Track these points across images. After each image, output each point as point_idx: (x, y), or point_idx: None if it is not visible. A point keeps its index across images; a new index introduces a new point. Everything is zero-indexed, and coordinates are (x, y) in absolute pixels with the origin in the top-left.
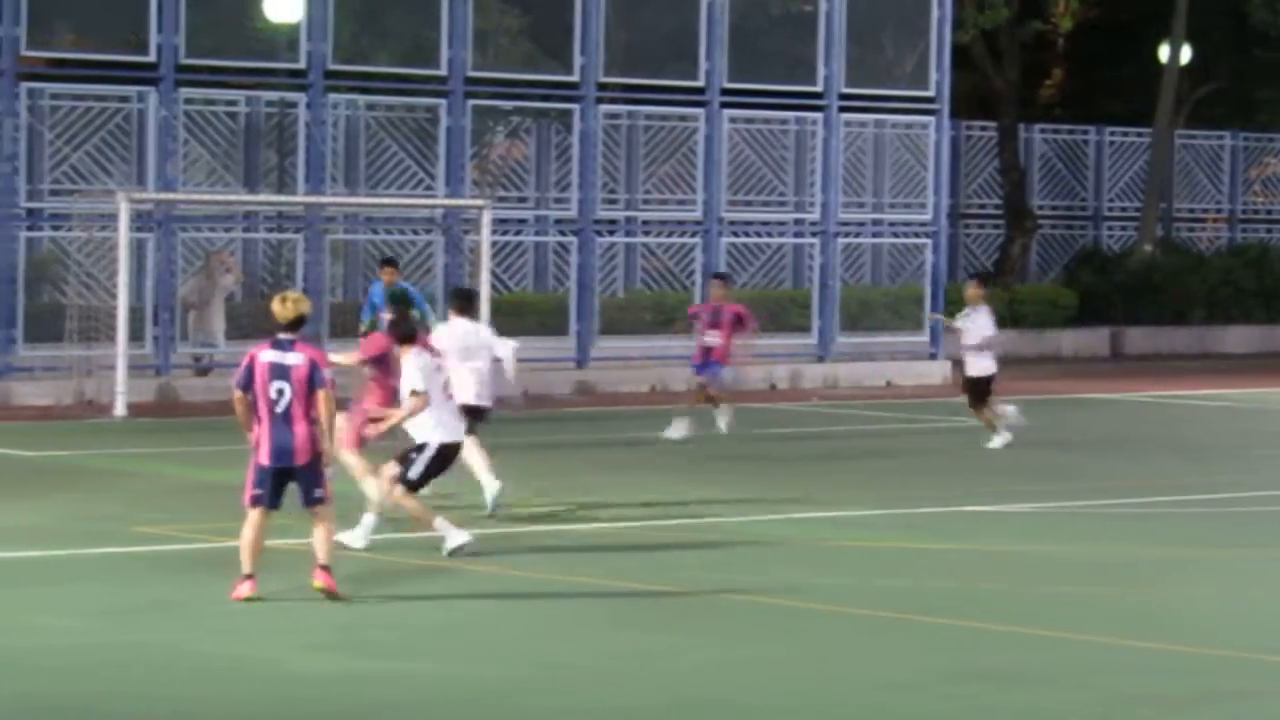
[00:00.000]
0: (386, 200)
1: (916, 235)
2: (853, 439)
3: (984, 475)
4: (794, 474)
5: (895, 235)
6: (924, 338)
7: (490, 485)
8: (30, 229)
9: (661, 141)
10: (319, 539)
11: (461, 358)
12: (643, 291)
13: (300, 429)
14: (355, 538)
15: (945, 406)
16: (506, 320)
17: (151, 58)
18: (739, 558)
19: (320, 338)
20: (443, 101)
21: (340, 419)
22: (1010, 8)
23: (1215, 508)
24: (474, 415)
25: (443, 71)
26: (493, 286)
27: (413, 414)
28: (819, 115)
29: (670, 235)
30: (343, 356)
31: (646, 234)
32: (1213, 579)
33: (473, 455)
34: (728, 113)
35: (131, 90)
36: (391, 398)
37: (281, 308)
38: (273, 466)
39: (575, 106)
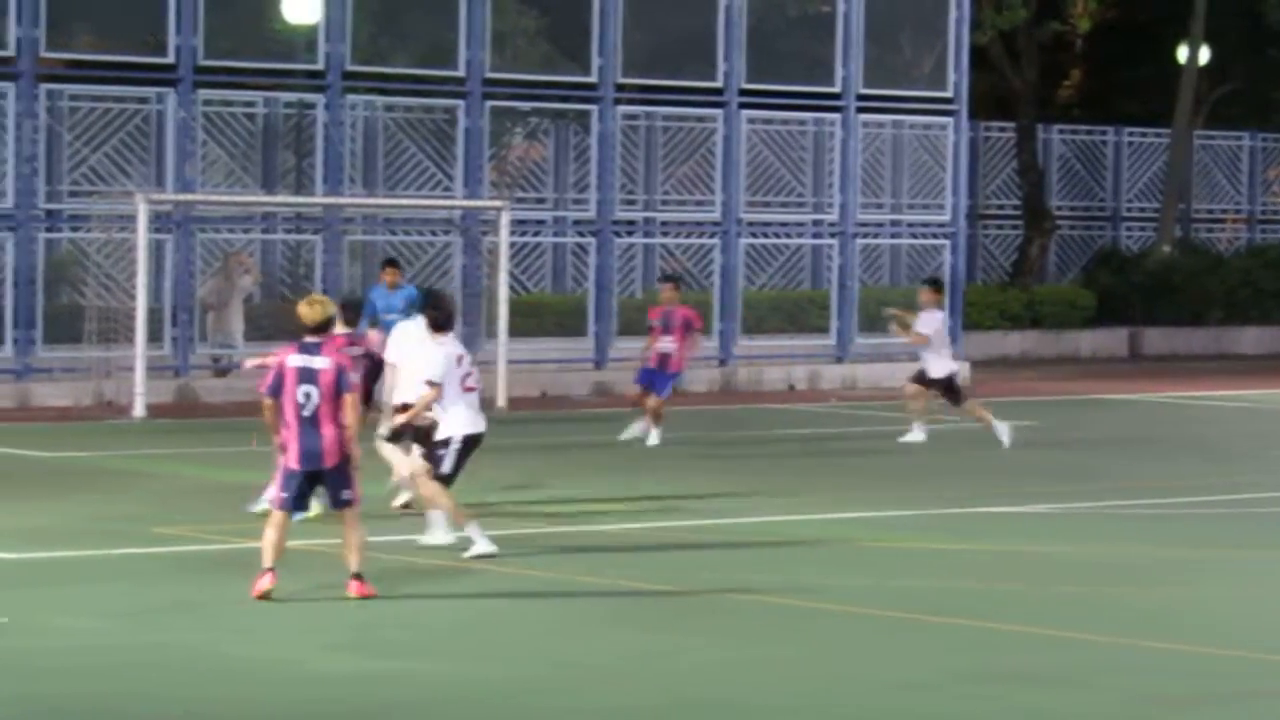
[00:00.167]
0: (404, 201)
1: (935, 236)
2: (871, 440)
3: (1001, 476)
4: (811, 475)
5: (914, 236)
6: None
7: (400, 485)
8: (49, 230)
9: (680, 142)
10: (350, 545)
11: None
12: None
13: (328, 432)
14: (436, 537)
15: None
16: (524, 321)
17: (170, 59)
18: (754, 558)
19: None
20: (461, 103)
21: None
22: (1028, 8)
23: (1234, 508)
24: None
25: (461, 73)
26: (511, 288)
27: (427, 403)
28: (837, 116)
29: (688, 236)
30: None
31: (665, 235)
32: (1231, 580)
33: (397, 454)
34: (746, 113)
35: (150, 91)
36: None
37: (309, 311)
38: (302, 470)
39: (593, 107)
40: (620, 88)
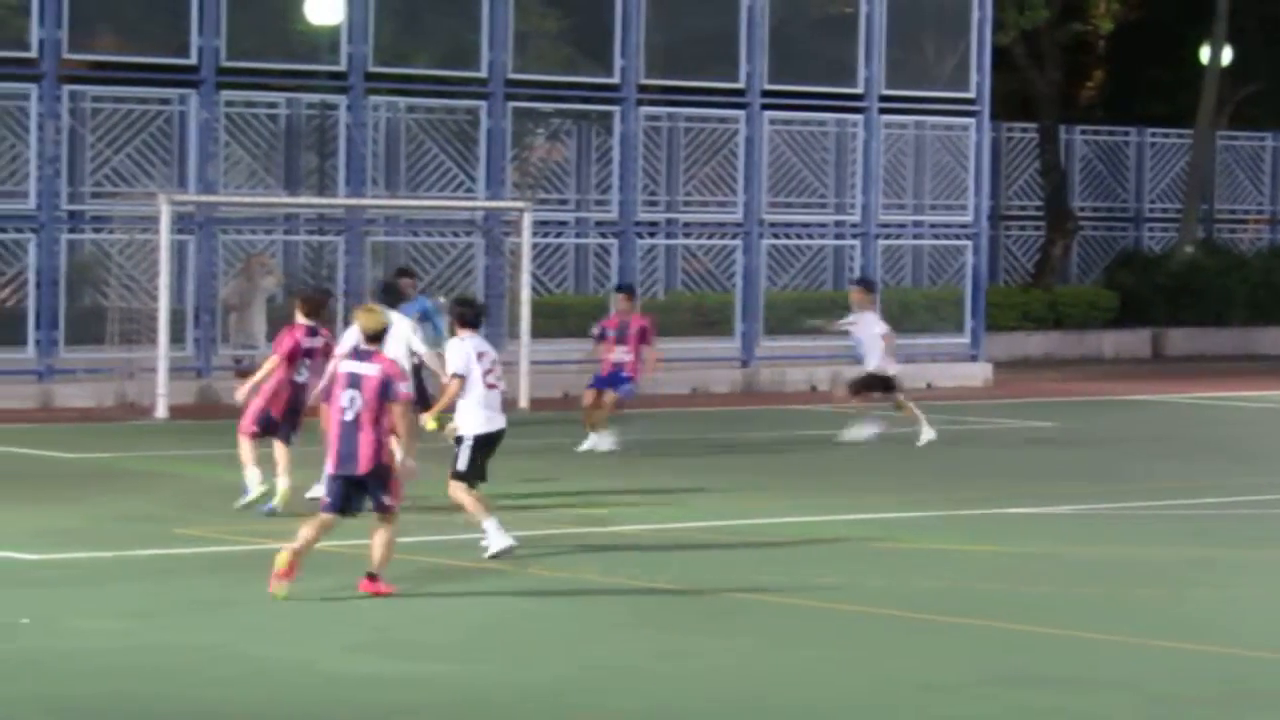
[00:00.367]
0: (427, 202)
1: (957, 237)
2: (893, 441)
3: (1025, 477)
4: (834, 476)
5: (936, 237)
6: (965, 339)
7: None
8: (72, 231)
9: (702, 143)
10: (376, 543)
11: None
12: (683, 293)
13: (365, 438)
14: (495, 541)
15: (986, 408)
16: (547, 323)
17: (192, 60)
18: (774, 558)
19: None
20: (483, 104)
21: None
22: (1050, 9)
23: (1258, 509)
24: None
25: (483, 74)
26: (533, 289)
27: (449, 398)
28: (859, 117)
29: (711, 237)
30: (268, 363)
31: (687, 236)
32: (1255, 580)
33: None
34: (768, 114)
35: (172, 93)
36: (293, 392)
37: (366, 319)
38: (338, 474)
39: (615, 108)
40: (642, 88)
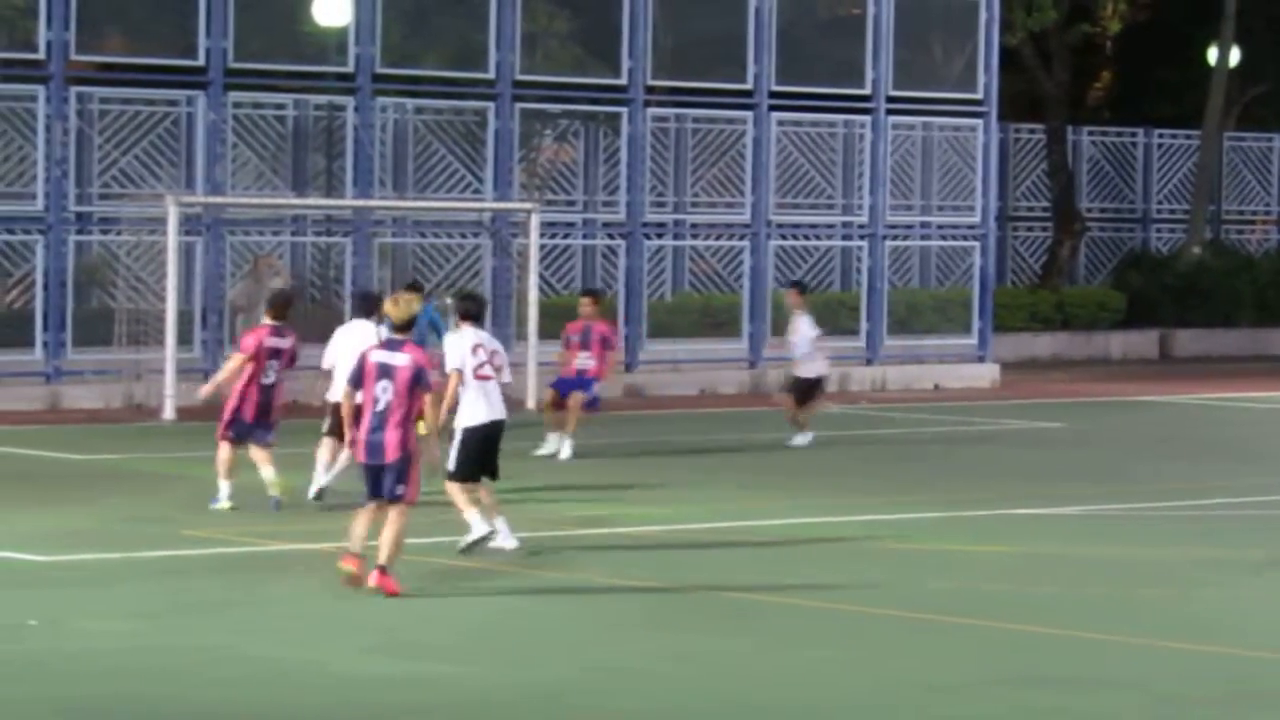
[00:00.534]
0: (434, 204)
1: (964, 238)
2: (901, 442)
3: (1033, 478)
4: (843, 477)
5: (943, 238)
6: (972, 340)
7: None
8: (79, 233)
9: (709, 144)
10: (386, 538)
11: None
12: (691, 295)
13: (392, 427)
14: (504, 539)
15: (993, 409)
16: (554, 324)
17: (200, 62)
18: (786, 560)
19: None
20: (491, 105)
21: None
22: (1058, 10)
23: (1265, 510)
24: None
25: (491, 75)
26: (541, 290)
27: (450, 394)
28: (867, 118)
29: (718, 238)
30: (232, 362)
31: (694, 237)
32: (1262, 581)
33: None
34: (775, 115)
35: (180, 94)
36: (261, 394)
37: (394, 309)
38: (366, 463)
39: (623, 110)
40: (650, 90)
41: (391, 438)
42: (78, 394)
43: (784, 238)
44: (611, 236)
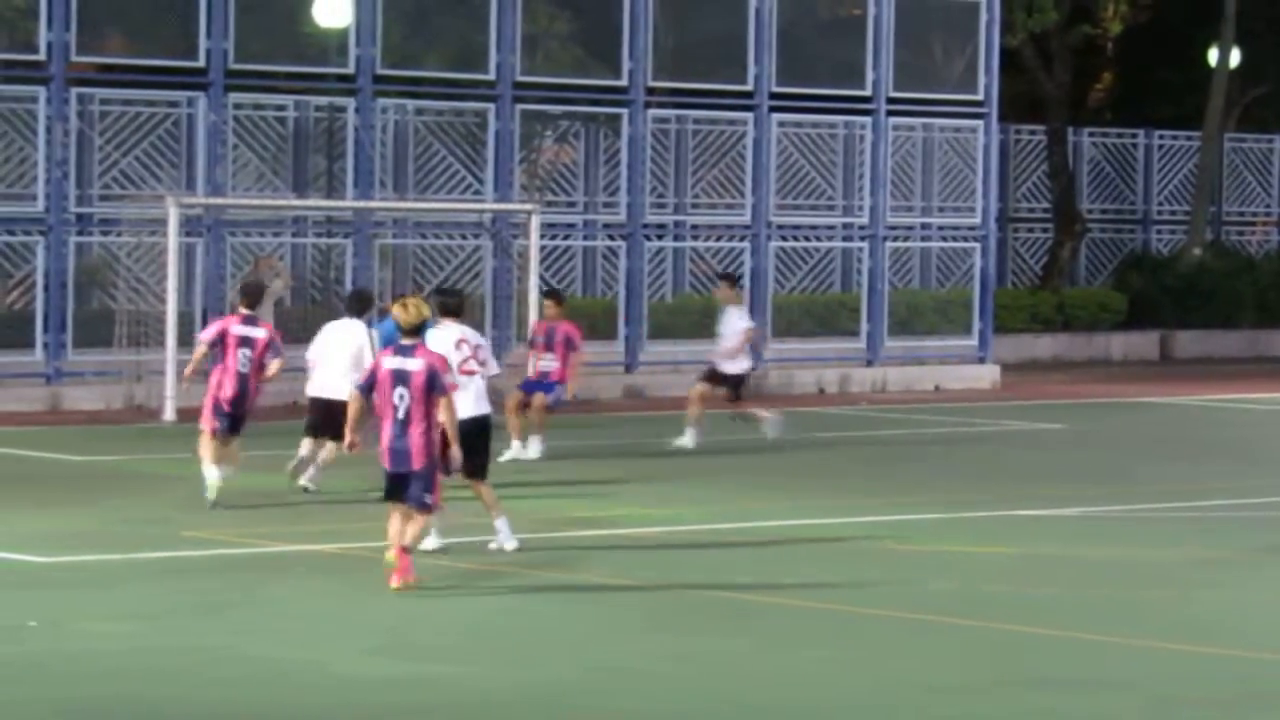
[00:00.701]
0: (435, 205)
1: (965, 239)
2: (902, 443)
3: (1034, 479)
4: (843, 478)
5: (944, 239)
6: (972, 341)
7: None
8: (80, 234)
9: (710, 145)
10: (409, 529)
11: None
12: (692, 296)
13: (416, 434)
14: (504, 539)
15: (994, 410)
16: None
17: (201, 63)
18: (786, 561)
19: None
20: (491, 106)
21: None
22: (1059, 11)
23: (1266, 511)
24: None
25: (491, 76)
26: (541, 291)
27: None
28: (867, 119)
29: (719, 239)
30: (198, 354)
31: (695, 238)
32: (1263, 583)
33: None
34: (776, 116)
35: (181, 95)
36: (238, 383)
37: (404, 313)
38: (391, 471)
39: (624, 111)
40: (651, 91)
41: (416, 445)
42: (78, 395)
43: (784, 239)
44: (612, 238)
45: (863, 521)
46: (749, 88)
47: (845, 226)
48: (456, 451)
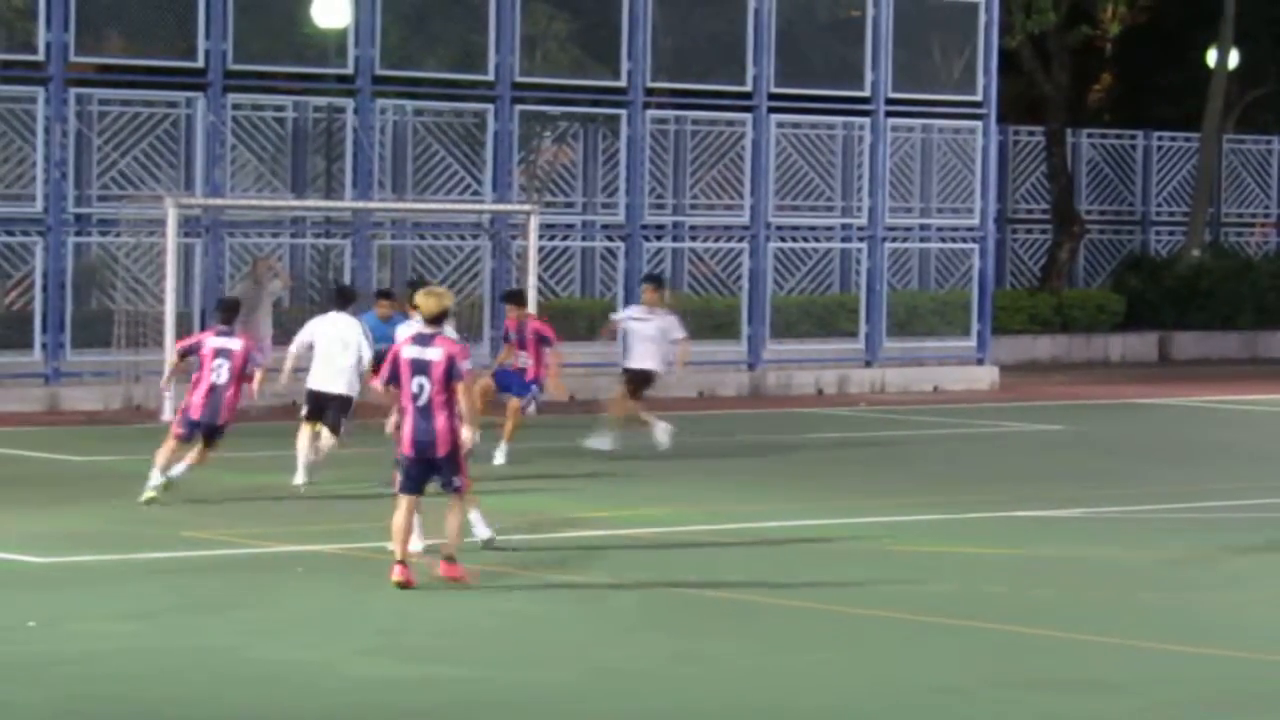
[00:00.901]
0: (434, 205)
1: (964, 240)
2: (901, 444)
3: (1033, 480)
4: (842, 479)
5: (943, 240)
6: (971, 342)
7: (297, 477)
8: (79, 235)
9: (709, 146)
10: (448, 529)
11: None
12: (690, 296)
13: (439, 422)
14: (480, 532)
15: (993, 411)
16: (554, 325)
17: (199, 63)
18: (785, 562)
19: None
20: (490, 106)
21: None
22: (1058, 12)
23: (1266, 512)
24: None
25: (490, 77)
26: (540, 292)
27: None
28: (866, 120)
29: (717, 240)
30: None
31: (694, 239)
32: (1263, 584)
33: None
34: (775, 117)
35: (179, 96)
36: (210, 393)
37: (426, 301)
38: (414, 458)
39: (623, 111)
40: (650, 92)
41: (440, 433)
42: (77, 395)
43: (783, 240)
44: (611, 238)
45: (862, 522)
46: (748, 89)
47: (844, 227)
48: (468, 435)
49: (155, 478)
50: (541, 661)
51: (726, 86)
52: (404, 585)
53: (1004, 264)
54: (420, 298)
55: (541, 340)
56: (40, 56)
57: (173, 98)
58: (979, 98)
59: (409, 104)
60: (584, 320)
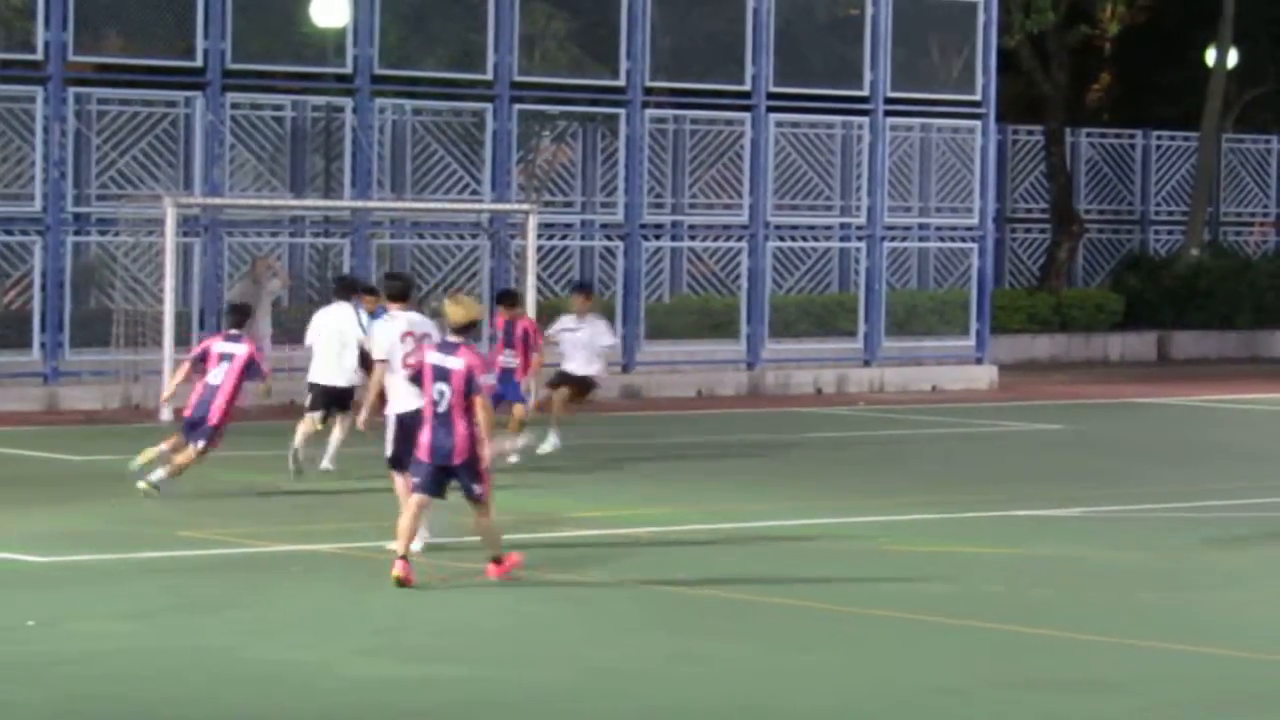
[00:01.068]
0: (433, 205)
1: (963, 239)
2: (899, 443)
3: (1032, 480)
4: (841, 479)
5: (941, 239)
6: (970, 342)
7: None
8: (77, 234)
9: (707, 146)
10: (483, 534)
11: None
12: (689, 296)
13: (459, 430)
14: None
15: (992, 411)
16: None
17: (198, 63)
18: (786, 561)
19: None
20: (489, 106)
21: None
22: (1057, 12)
23: (1265, 511)
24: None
25: (489, 76)
26: (538, 291)
27: (375, 384)
28: (865, 119)
29: (716, 239)
30: (180, 372)
31: (692, 238)
32: (1263, 583)
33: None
34: (774, 117)
35: (178, 95)
36: (202, 390)
37: (452, 310)
38: (432, 465)
39: (621, 111)
40: (648, 91)
41: (459, 439)
42: (75, 395)
43: (782, 239)
44: (609, 238)
45: (860, 522)
46: (747, 88)
47: (843, 227)
48: (486, 451)
49: (156, 474)
50: (540, 661)
51: (725, 86)
52: (403, 582)
53: (1003, 263)
54: (448, 306)
55: (527, 340)
56: (39, 56)
57: (171, 97)
58: (978, 97)
59: (408, 103)
60: None
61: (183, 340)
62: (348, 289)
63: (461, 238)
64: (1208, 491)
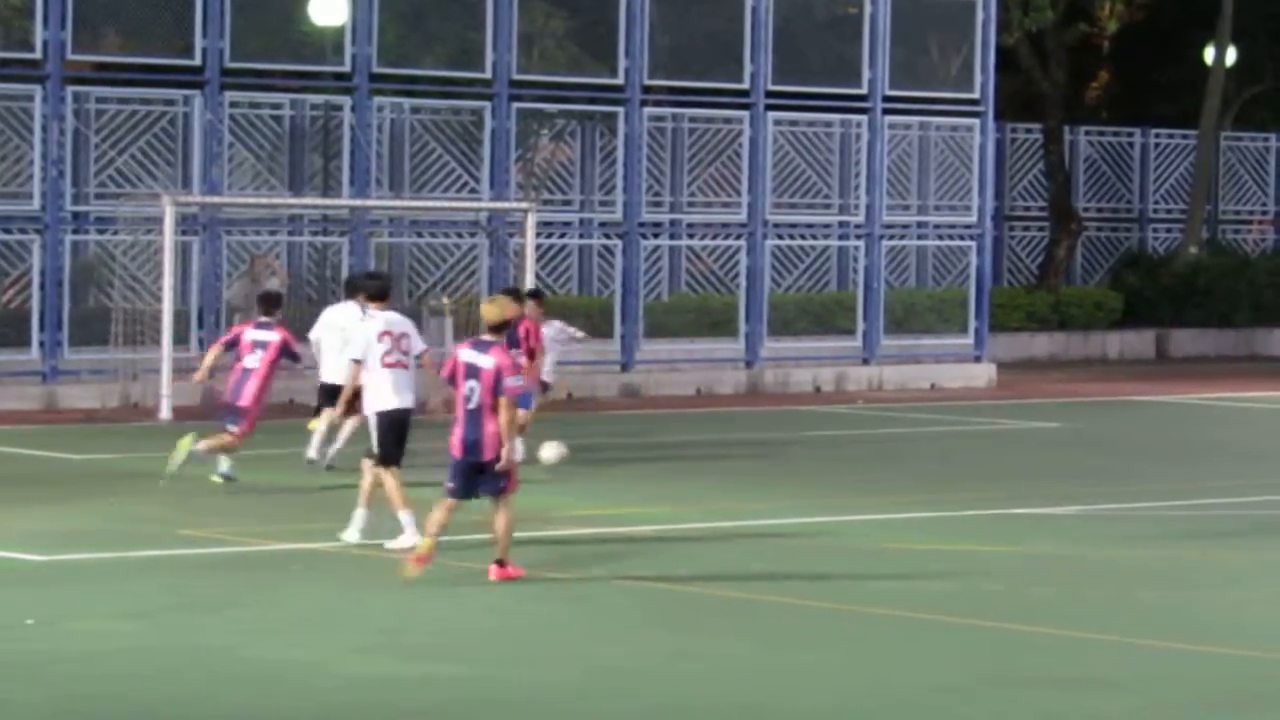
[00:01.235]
0: (431, 203)
1: (961, 238)
2: (898, 442)
3: (1030, 478)
4: (840, 477)
5: (940, 238)
6: (969, 340)
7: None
8: (76, 233)
9: (706, 144)
10: (499, 530)
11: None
12: (688, 294)
13: (489, 426)
14: (353, 531)
15: (990, 409)
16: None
17: (197, 61)
18: (785, 560)
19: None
20: (487, 104)
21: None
22: (1055, 10)
23: (1264, 510)
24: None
25: (488, 74)
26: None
27: (350, 384)
28: (863, 117)
29: (715, 238)
30: (209, 356)
31: (691, 237)
32: (1262, 582)
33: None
34: (772, 115)
35: (177, 94)
36: (238, 375)
37: (487, 310)
38: (463, 460)
39: (620, 109)
40: (647, 89)
41: (488, 436)
42: (74, 393)
43: (780, 237)
44: (608, 236)
45: (859, 520)
46: (745, 86)
47: (841, 225)
48: (507, 453)
49: (222, 466)
50: (540, 660)
51: (724, 84)
52: (419, 565)
53: (1001, 261)
54: (484, 307)
55: (529, 339)
56: (38, 54)
57: (170, 95)
58: (976, 95)
59: (406, 102)
60: (581, 318)
61: (181, 339)
62: (353, 288)
63: (460, 236)
64: (1206, 489)
